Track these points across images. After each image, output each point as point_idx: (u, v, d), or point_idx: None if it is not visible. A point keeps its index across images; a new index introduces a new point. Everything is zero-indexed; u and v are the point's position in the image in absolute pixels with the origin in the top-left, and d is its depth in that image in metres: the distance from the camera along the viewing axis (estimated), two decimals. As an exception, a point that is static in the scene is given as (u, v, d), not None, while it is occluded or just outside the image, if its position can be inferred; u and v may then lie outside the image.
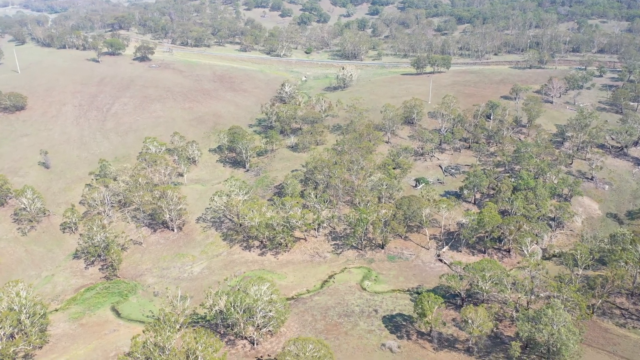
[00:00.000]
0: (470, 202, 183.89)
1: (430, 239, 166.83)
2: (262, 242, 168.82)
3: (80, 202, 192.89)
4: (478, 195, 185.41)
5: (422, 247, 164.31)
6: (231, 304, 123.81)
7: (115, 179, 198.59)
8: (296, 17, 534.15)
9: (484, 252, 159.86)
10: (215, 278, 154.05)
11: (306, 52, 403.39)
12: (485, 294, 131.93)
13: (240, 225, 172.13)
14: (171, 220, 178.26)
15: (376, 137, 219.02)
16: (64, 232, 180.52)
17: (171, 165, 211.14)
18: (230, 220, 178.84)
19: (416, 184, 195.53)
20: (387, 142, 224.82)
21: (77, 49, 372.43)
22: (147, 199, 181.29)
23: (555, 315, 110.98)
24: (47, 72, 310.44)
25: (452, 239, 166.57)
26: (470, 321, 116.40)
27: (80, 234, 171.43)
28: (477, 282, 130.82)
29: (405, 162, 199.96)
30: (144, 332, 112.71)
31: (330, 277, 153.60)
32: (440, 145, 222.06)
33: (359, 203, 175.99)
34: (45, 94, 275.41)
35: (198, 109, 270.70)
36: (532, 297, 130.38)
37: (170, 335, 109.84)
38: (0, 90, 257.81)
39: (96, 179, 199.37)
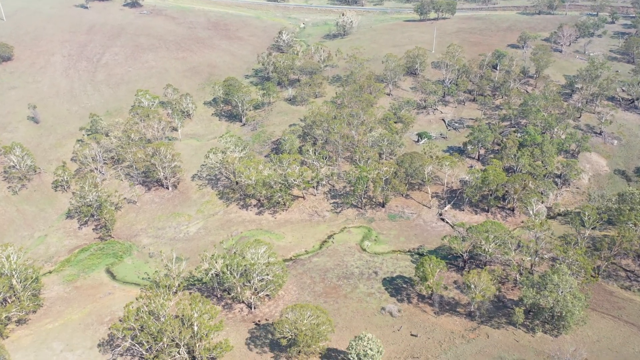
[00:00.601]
0: (474, 158, 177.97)
1: (432, 197, 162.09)
2: (259, 200, 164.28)
3: (71, 159, 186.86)
4: (482, 151, 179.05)
5: (423, 205, 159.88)
6: (227, 267, 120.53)
7: (107, 135, 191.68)
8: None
9: (487, 211, 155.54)
10: (211, 238, 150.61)
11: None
12: (488, 256, 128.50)
13: (237, 183, 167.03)
14: (165, 179, 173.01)
15: (377, 89, 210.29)
16: (56, 191, 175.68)
17: (165, 119, 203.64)
18: (226, 178, 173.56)
19: (418, 139, 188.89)
20: (388, 95, 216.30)
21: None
22: (140, 156, 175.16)
23: (561, 281, 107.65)
24: (33, 19, 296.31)
25: (454, 197, 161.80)
26: (472, 286, 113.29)
27: (73, 193, 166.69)
28: (481, 244, 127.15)
29: (407, 116, 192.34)
30: (137, 299, 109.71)
31: (329, 237, 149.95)
32: (443, 97, 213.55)
33: (359, 160, 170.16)
34: (33, 43, 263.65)
35: (192, 58, 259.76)
36: (537, 259, 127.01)
37: (164, 302, 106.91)
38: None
39: (87, 135, 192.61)
